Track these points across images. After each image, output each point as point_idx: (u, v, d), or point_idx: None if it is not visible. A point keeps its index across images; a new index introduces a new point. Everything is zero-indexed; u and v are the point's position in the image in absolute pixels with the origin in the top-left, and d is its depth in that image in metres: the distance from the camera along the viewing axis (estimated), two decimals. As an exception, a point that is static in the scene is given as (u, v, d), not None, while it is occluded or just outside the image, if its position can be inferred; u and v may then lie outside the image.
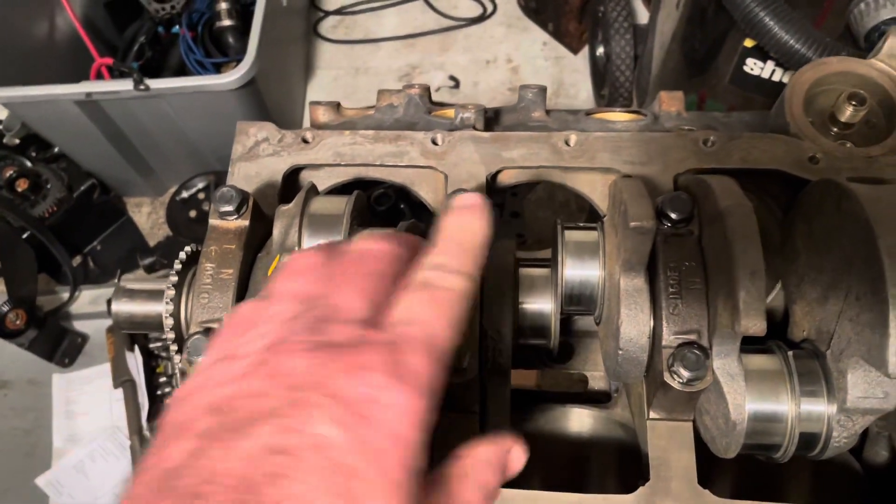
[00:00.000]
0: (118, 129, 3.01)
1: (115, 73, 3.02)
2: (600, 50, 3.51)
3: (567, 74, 3.86)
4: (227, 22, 3.31)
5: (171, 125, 2.98)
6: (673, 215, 0.91)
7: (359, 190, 0.99)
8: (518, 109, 1.32)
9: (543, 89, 1.32)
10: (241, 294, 0.91)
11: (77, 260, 3.36)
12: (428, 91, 1.34)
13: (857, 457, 1.10)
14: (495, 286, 0.93)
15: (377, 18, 4.07)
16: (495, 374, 0.96)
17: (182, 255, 0.96)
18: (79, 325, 3.14)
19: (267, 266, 0.91)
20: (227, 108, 2.84)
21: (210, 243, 0.91)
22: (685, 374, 0.84)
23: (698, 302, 0.88)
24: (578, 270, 1.00)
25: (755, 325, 0.79)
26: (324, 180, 1.14)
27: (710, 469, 1.12)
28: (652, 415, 0.94)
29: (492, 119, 1.28)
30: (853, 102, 1.10)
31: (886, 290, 0.80)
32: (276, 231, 0.92)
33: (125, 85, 2.70)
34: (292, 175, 1.13)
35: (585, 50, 3.74)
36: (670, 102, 1.29)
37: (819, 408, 0.92)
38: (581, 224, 1.05)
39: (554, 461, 1.13)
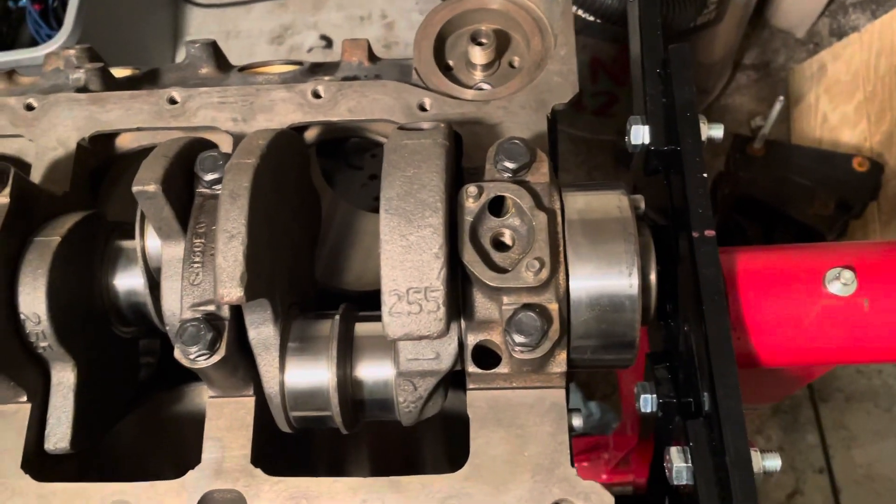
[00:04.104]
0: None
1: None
2: None
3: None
4: (77, -9, 3.15)
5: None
6: (205, 176, 0.84)
7: None
8: (183, 67, 1.23)
9: (210, 43, 1.23)
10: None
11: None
12: (89, 52, 1.24)
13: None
14: (30, 266, 0.85)
15: (248, -21, 3.91)
16: (57, 361, 0.89)
17: None
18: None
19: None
20: (52, 84, 2.71)
21: None
22: (191, 349, 0.77)
23: (220, 269, 0.80)
24: (159, 241, 0.92)
25: (229, 294, 0.73)
26: (-73, 157, 1.06)
27: (349, 445, 1.07)
28: (210, 394, 0.88)
29: (141, 78, 1.19)
30: (477, 42, 1.02)
31: (381, 246, 0.74)
32: None
33: (-67, 64, 2.57)
34: None
35: (456, 1, 3.62)
36: (352, 51, 1.20)
37: (382, 373, 0.86)
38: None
39: (189, 444, 1.07)
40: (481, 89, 1.06)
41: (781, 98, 2.11)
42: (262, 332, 0.82)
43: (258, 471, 0.84)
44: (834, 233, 2.28)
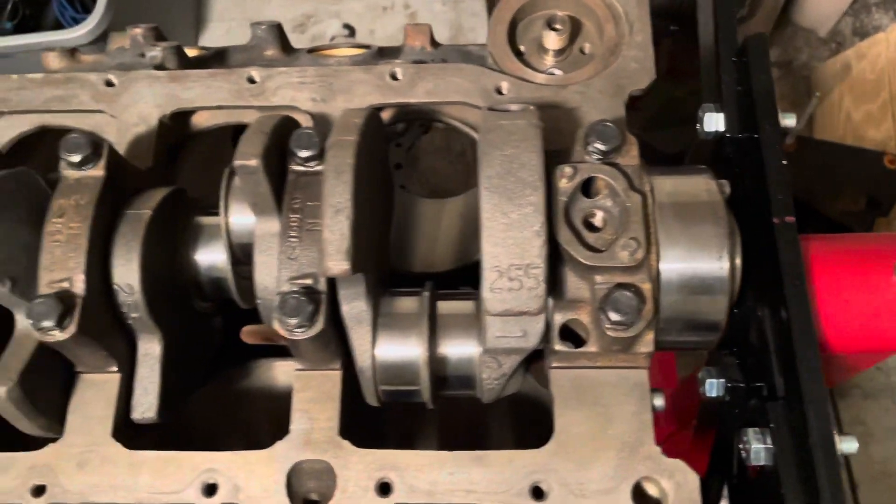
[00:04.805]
0: (-24, 91, 2.89)
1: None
2: (490, -9, 3.41)
3: (465, 18, 3.75)
4: (103, -26, 3.15)
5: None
6: (300, 153, 0.85)
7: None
8: (249, 48, 1.24)
9: (276, 26, 1.24)
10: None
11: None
12: (154, 31, 1.26)
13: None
14: (124, 238, 0.87)
15: (271, -34, 3.91)
16: (143, 332, 0.90)
17: None
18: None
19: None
20: (83, 65, 2.72)
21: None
22: (291, 321, 0.79)
23: (317, 244, 0.82)
24: (242, 217, 0.94)
25: (336, 266, 0.74)
26: (4, 131, 1.07)
27: (418, 419, 1.09)
28: (297, 366, 0.89)
29: (210, 58, 1.20)
30: (552, 27, 1.04)
31: (482, 223, 0.75)
32: None
33: (-35, 44, 2.59)
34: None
35: (483, -8, 3.62)
36: (415, 36, 1.21)
37: (466, 349, 0.87)
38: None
39: (258, 418, 1.08)
40: (552, 74, 1.07)
41: (818, 94, 2.13)
42: (356, 306, 0.83)
43: (346, 442, 0.86)
44: (861, 230, 2.29)
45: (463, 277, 1.10)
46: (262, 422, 1.08)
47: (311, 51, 1.21)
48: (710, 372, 1.01)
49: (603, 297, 0.77)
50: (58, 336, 0.80)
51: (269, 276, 0.86)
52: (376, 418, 1.05)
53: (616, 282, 0.79)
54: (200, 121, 1.09)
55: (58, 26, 3.19)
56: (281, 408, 1.07)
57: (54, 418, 0.87)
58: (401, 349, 0.85)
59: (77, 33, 2.61)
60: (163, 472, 0.86)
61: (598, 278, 0.79)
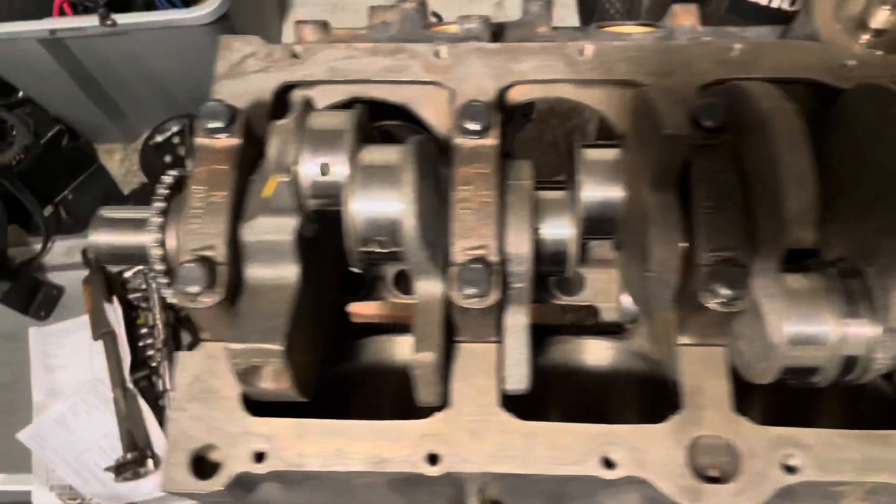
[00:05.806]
0: (85, 69, 2.86)
1: (80, 10, 2.86)
2: (588, -19, 3.39)
3: (556, 9, 3.74)
4: (197, -47, 3.12)
5: (141, 65, 2.83)
6: (707, 124, 0.84)
7: (360, 104, 0.90)
8: (522, 24, 1.23)
9: (548, 2, 1.23)
10: (235, 218, 0.82)
11: (48, 210, 3.23)
12: (424, 6, 1.24)
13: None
14: (514, 207, 0.85)
15: (355, -49, 3.88)
16: (515, 303, 0.89)
17: (167, 179, 0.87)
18: (53, 277, 3.02)
19: (262, 188, 0.83)
20: (199, 47, 2.69)
21: (200, 164, 0.82)
22: (725, 292, 0.77)
23: (735, 216, 0.81)
24: (598, 191, 0.93)
25: (807, 236, 0.73)
26: (317, 100, 1.05)
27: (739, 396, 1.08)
28: (683, 340, 0.88)
29: (496, 34, 1.19)
30: (887, 6, 1.02)
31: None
32: (272, 148, 0.83)
33: (91, 21, 2.56)
34: (282, 94, 1.03)
35: (573, -18, 3.60)
36: (684, 16, 1.20)
37: (862, 329, 0.86)
38: (600, 142, 0.98)
39: (573, 394, 1.07)
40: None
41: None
42: (768, 281, 0.82)
43: (743, 418, 0.85)
44: None
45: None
46: (578, 397, 1.07)
47: (599, 27, 1.20)
48: None
49: None
50: (481, 303, 0.79)
51: (667, 248, 0.84)
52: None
53: None
54: (514, 95, 1.08)
55: (149, 6, 3.15)
56: (593, 384, 1.06)
57: (445, 387, 0.86)
58: (814, 326, 0.83)
59: (199, 13, 2.58)
60: (559, 444, 0.84)
61: None
